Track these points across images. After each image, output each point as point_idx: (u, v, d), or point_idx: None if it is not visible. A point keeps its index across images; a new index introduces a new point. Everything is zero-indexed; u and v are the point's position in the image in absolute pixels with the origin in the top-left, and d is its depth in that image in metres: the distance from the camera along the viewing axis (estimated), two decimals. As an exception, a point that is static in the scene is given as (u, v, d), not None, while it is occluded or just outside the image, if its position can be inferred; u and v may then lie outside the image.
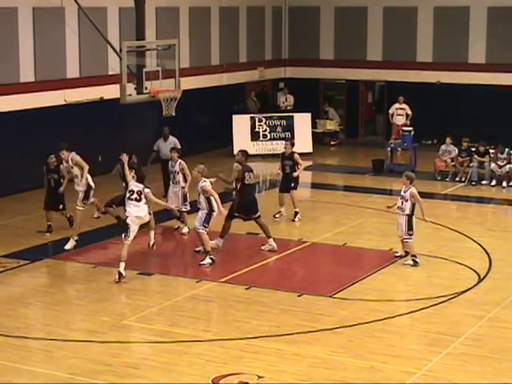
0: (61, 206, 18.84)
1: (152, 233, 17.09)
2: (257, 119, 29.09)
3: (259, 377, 11.59)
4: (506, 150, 24.50)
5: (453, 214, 21.76)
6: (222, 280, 15.78)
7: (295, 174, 20.04)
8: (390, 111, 29.83)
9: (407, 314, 14.17)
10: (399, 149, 27.83)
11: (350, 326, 13.55)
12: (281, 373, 11.78)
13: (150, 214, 16.32)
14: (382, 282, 15.87)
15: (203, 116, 28.60)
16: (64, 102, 23.65)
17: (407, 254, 16.93)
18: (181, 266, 17.45)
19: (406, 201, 16.65)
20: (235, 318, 13.94)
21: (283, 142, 22.70)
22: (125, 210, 16.17)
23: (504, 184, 24.10)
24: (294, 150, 20.22)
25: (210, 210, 16.73)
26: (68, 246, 17.33)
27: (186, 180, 18.74)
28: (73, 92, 23.86)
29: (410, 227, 16.69)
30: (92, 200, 17.97)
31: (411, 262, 16.70)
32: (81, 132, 23.99)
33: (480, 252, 17.76)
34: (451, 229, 19.52)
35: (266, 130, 28.98)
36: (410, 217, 16.68)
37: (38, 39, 23.02)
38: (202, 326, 13.63)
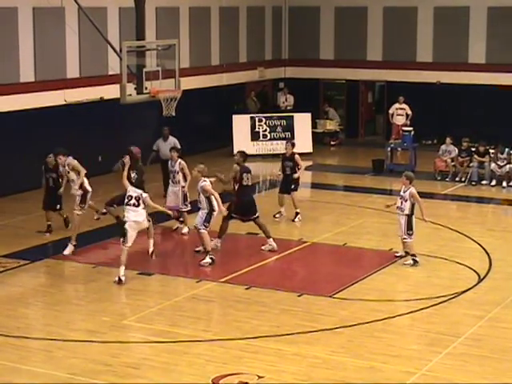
0: (58, 206, 18.80)
1: (151, 241, 16.76)
2: (257, 119, 29.10)
3: (259, 377, 11.59)
4: (506, 149, 24.51)
5: (453, 214, 21.77)
6: (222, 280, 15.78)
7: (296, 176, 20.03)
8: (390, 111, 29.83)
9: (407, 314, 14.17)
10: (399, 149, 27.84)
11: (349, 326, 13.55)
12: (281, 373, 11.78)
13: (149, 220, 16.17)
14: (382, 281, 15.87)
15: (203, 116, 28.60)
16: (64, 102, 23.65)
17: (407, 254, 16.93)
18: (181, 266, 17.45)
19: (406, 201, 16.65)
20: (235, 317, 13.94)
21: (283, 142, 22.72)
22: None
23: (504, 184, 24.10)
24: (295, 150, 20.22)
25: (211, 210, 16.74)
26: (66, 252, 17.17)
27: (185, 179, 18.75)
28: (73, 92, 23.86)
29: (409, 227, 16.69)
30: (89, 203, 17.81)
31: (411, 262, 16.70)
32: (81, 132, 24.01)
33: (480, 252, 17.76)
34: (451, 229, 19.52)
35: (266, 130, 28.98)
36: (409, 217, 16.68)
37: (38, 39, 23.02)
38: (202, 326, 13.63)
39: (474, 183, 24.39)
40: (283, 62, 33.21)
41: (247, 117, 29.14)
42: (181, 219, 19.13)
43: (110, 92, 22.53)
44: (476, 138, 25.28)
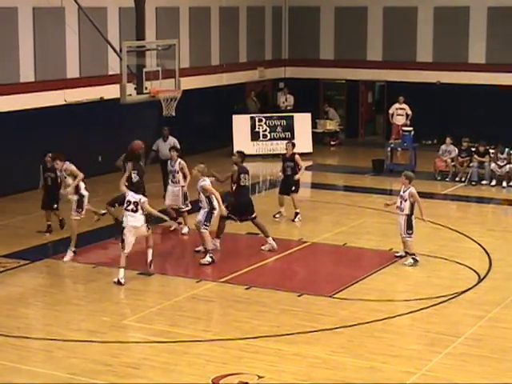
0: (55, 206, 18.75)
1: (150, 251, 16.17)
2: (257, 119, 29.10)
3: (259, 377, 11.59)
4: (506, 149, 24.51)
5: (453, 214, 21.77)
6: (222, 280, 15.78)
7: (296, 177, 20.00)
8: (390, 111, 29.84)
9: (407, 314, 14.17)
10: (399, 149, 27.85)
11: (350, 326, 13.55)
12: (281, 373, 11.78)
13: (148, 228, 15.99)
14: (382, 281, 15.87)
15: (203, 116, 28.60)
16: (64, 102, 23.65)
17: (407, 254, 16.92)
18: (181, 266, 17.45)
19: (405, 200, 16.67)
20: (235, 317, 13.94)
21: (283, 142, 22.69)
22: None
23: (504, 184, 24.10)
24: (295, 150, 20.20)
25: (211, 209, 16.75)
26: (66, 259, 16.91)
27: (185, 179, 18.73)
28: (73, 92, 23.86)
29: (409, 226, 16.71)
30: (87, 208, 17.47)
31: (412, 261, 16.71)
32: (81, 132, 24.03)
33: (480, 252, 17.76)
34: (451, 229, 19.52)
35: (266, 130, 28.98)
36: (409, 216, 16.69)
37: (38, 39, 23.02)
38: (202, 326, 13.62)
39: (473, 183, 24.39)
40: (283, 61, 33.21)
41: (247, 117, 29.14)
42: (178, 221, 19.10)
43: (110, 92, 22.53)
44: (476, 138, 25.28)
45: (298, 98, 31.70)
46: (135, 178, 18.20)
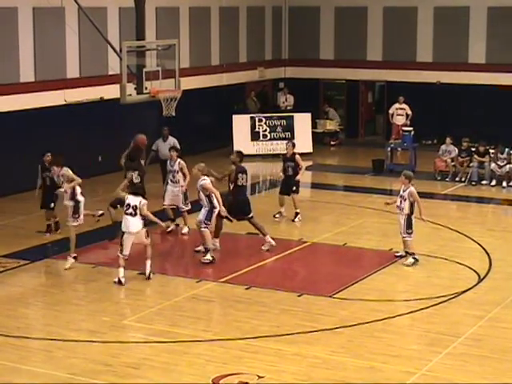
0: (52, 205, 18.70)
1: (148, 262, 15.87)
2: (257, 119, 29.09)
3: (259, 377, 11.59)
4: (506, 149, 24.50)
5: (453, 214, 21.77)
6: (222, 280, 15.78)
7: (298, 178, 19.98)
8: (390, 111, 29.83)
9: (407, 314, 14.17)
10: (399, 149, 27.85)
11: (350, 326, 13.55)
12: (281, 373, 11.78)
13: (147, 236, 15.86)
14: (382, 281, 15.87)
15: (203, 116, 28.59)
16: (64, 102, 23.65)
17: (407, 254, 16.92)
18: (181, 266, 17.45)
19: (405, 200, 16.68)
20: (235, 317, 13.94)
21: (283, 142, 22.66)
22: None
23: (504, 184, 24.10)
24: (295, 150, 20.19)
25: (212, 207, 16.75)
26: (67, 266, 16.75)
27: (185, 179, 18.72)
28: (73, 92, 23.86)
29: (409, 226, 16.72)
30: (84, 213, 17.06)
31: (412, 260, 16.72)
32: (81, 132, 24.03)
33: (480, 252, 17.76)
34: (451, 229, 19.52)
35: (266, 130, 28.98)
36: (409, 216, 16.70)
37: (38, 39, 23.02)
38: (202, 326, 13.62)
39: (474, 183, 24.39)
40: (283, 61, 33.21)
41: (247, 117, 29.13)
42: (176, 223, 19.05)
43: (110, 92, 22.53)
44: (476, 138, 25.28)
45: (298, 97, 31.70)
46: (136, 178, 18.21)
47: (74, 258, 16.71)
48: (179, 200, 18.81)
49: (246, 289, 15.32)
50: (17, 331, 13.27)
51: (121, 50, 19.32)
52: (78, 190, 16.93)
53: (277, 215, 20.18)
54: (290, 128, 29.01)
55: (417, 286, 15.71)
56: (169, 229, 18.97)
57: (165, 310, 14.34)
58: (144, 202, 15.70)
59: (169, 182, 19.03)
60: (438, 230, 19.41)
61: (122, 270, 15.50)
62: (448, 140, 25.33)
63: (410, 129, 27.05)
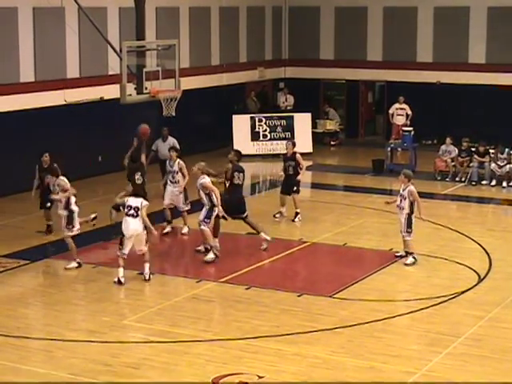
0: (48, 205, 18.62)
1: (147, 265, 15.83)
2: (257, 119, 29.09)
3: (259, 377, 11.59)
4: (506, 150, 24.50)
5: (453, 214, 21.76)
6: (222, 280, 15.78)
7: (299, 178, 19.96)
8: (390, 111, 29.84)
9: (407, 314, 14.16)
10: (399, 149, 27.85)
11: (350, 326, 13.55)
12: (281, 373, 11.78)
13: (146, 242, 15.78)
14: (382, 281, 15.87)
15: (203, 116, 28.58)
16: (64, 102, 23.64)
17: (407, 253, 16.93)
18: (181, 265, 17.45)
19: (405, 199, 16.69)
20: (235, 317, 13.94)
21: (283, 142, 22.64)
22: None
23: (504, 184, 24.10)
24: (295, 150, 20.17)
25: (212, 206, 16.75)
26: (68, 266, 16.55)
27: (184, 179, 18.70)
28: (73, 92, 23.85)
29: (408, 225, 16.74)
30: (80, 221, 16.79)
31: (412, 260, 16.72)
32: (81, 132, 24.02)
33: (480, 252, 17.76)
34: (451, 229, 19.52)
35: (266, 130, 28.98)
36: (409, 215, 16.71)
37: (38, 39, 23.02)
38: (202, 326, 13.62)
39: (474, 183, 24.38)
40: (283, 62, 33.21)
41: (247, 117, 29.14)
42: (172, 226, 19.02)
43: (110, 92, 22.54)
44: (476, 138, 25.28)
45: (298, 98, 31.70)
46: (139, 180, 18.22)
47: (78, 263, 16.54)
48: (179, 200, 18.81)
49: (246, 289, 15.32)
50: (17, 331, 13.27)
51: (121, 50, 19.33)
52: (73, 199, 16.66)
53: (277, 215, 20.17)
54: (290, 128, 29.01)
55: (417, 285, 15.70)
56: (165, 230, 18.94)
57: (165, 309, 14.34)
58: (145, 203, 15.70)
59: (168, 182, 19.01)
60: (438, 229, 19.41)
61: (121, 269, 15.50)
62: (448, 140, 25.33)
63: (410, 129, 27.05)
